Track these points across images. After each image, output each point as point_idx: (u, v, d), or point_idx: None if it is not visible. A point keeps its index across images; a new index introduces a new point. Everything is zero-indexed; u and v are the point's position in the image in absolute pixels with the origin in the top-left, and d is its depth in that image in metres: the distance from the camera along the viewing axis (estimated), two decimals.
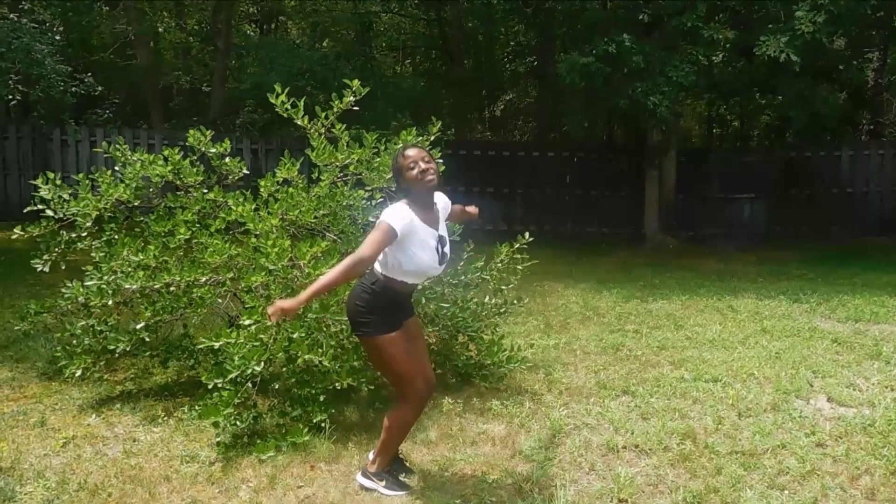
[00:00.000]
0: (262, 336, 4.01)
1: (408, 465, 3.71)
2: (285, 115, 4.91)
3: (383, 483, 3.48)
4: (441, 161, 3.78)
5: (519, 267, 5.22)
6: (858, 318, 7.01)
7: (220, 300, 4.67)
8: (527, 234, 5.15)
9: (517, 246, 5.19)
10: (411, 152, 3.27)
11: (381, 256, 3.23)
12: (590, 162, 14.40)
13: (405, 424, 3.47)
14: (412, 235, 3.19)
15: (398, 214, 3.16)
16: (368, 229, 4.89)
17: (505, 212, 13.74)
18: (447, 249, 3.39)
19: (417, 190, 3.26)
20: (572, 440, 4.11)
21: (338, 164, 4.95)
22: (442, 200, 3.50)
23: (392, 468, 3.57)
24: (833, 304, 7.63)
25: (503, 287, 5.31)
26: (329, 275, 3.08)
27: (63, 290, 4.57)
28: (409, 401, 3.38)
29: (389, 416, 3.46)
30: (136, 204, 4.91)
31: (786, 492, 3.52)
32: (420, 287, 3.64)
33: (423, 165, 3.23)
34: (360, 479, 3.55)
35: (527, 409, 4.54)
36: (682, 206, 13.71)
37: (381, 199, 5.06)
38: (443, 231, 3.40)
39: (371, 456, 3.58)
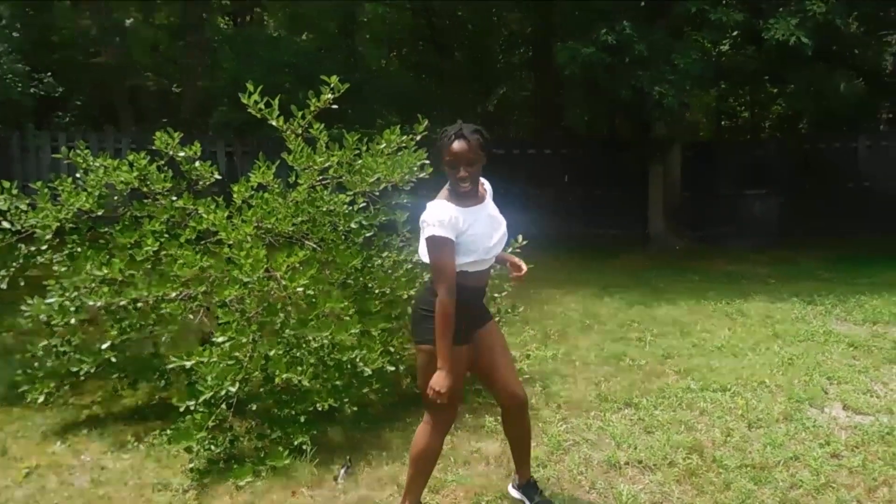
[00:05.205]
0: (236, 354, 4.02)
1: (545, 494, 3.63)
2: (259, 115, 4.92)
3: None
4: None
5: None
6: (876, 321, 7.07)
7: (191, 316, 4.68)
8: (520, 238, 5.15)
9: (511, 250, 5.19)
10: (457, 147, 3.07)
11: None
12: (591, 159, 14.44)
13: (433, 452, 3.32)
14: (462, 227, 3.10)
15: (441, 217, 3.05)
16: (351, 237, 4.95)
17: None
18: (498, 221, 3.32)
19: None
20: (571, 457, 4.13)
21: (316, 167, 4.95)
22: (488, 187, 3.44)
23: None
24: (850, 306, 7.69)
25: (496, 295, 5.32)
26: (440, 331, 3.03)
27: (23, 308, 4.56)
28: (435, 424, 3.27)
29: (414, 445, 3.33)
30: (99, 214, 4.89)
31: None
32: (488, 286, 3.44)
33: (462, 172, 3.08)
34: None
35: None
36: (689, 204, 13.75)
37: (364, 204, 5.07)
38: (490, 208, 3.32)
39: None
